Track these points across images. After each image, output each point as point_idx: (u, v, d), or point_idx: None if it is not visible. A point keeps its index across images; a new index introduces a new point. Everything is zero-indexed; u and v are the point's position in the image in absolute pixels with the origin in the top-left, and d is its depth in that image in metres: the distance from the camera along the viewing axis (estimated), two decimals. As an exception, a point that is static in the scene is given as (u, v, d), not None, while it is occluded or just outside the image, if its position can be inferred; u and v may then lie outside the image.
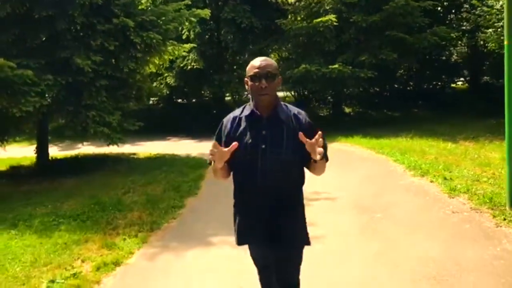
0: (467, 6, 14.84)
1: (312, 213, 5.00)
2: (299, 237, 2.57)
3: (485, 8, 12.11)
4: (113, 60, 9.67)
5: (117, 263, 4.31)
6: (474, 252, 4.01)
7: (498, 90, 8.46)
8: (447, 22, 16.48)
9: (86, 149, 13.32)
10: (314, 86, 14.83)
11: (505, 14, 4.94)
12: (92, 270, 4.17)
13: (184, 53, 12.56)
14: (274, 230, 2.48)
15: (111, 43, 9.16)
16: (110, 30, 9.23)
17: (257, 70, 2.41)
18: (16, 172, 10.58)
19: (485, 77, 18.59)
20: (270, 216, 2.48)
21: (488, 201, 5.30)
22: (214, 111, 17.11)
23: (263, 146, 2.41)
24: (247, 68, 2.48)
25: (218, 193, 6.06)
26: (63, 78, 8.78)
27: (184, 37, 14.19)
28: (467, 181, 6.30)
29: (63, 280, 3.95)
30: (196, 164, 9.53)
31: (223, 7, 15.12)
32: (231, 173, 2.58)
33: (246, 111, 2.52)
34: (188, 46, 11.63)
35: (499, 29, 10.97)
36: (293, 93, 19.99)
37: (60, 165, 10.80)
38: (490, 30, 11.72)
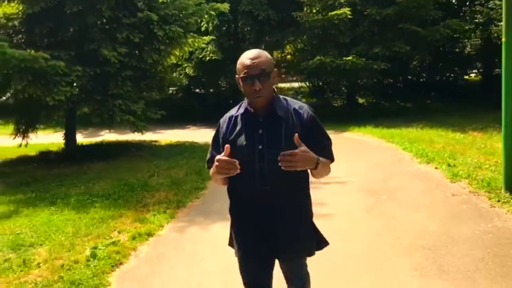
0: (481, -1, 15.10)
1: (323, 195, 5.59)
2: (302, 247, 2.39)
3: (497, 2, 12.38)
4: (138, 52, 10.24)
5: (150, 234, 4.88)
6: (467, 228, 4.50)
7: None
8: (461, 14, 16.70)
9: (109, 136, 13.98)
10: (329, 77, 15.28)
11: (503, 13, 5.35)
12: (128, 240, 4.75)
13: (203, 45, 13.10)
14: (275, 239, 2.30)
15: (136, 35, 9.73)
16: (135, 24, 9.79)
17: (247, 70, 2.14)
18: (45, 157, 11.24)
19: (498, 69, 18.75)
20: (271, 223, 2.29)
21: (486, 185, 5.75)
22: (231, 101, 17.62)
23: (260, 147, 2.20)
24: (237, 65, 2.20)
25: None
26: (91, 69, 9.37)
27: (203, 29, 14.70)
28: (469, 168, 6.74)
29: (104, 247, 4.53)
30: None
31: (240, 0, 15.56)
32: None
33: (242, 109, 2.30)
34: (207, 38, 12.15)
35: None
36: (307, 83, 20.42)
37: (87, 151, 11.45)
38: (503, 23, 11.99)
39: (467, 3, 17.27)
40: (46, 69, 8.46)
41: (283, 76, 19.86)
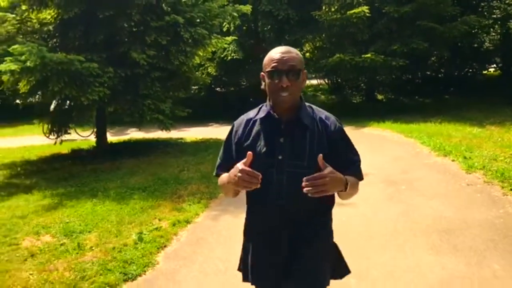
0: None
1: None
2: (320, 276, 2.11)
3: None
4: (165, 54, 10.75)
5: (188, 221, 5.37)
6: (480, 214, 4.88)
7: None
8: (479, 10, 16.85)
9: (135, 134, 14.57)
10: (348, 75, 15.65)
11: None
12: (169, 226, 5.24)
13: (225, 45, 13.58)
14: (290, 265, 2.06)
15: (163, 38, 10.21)
16: (162, 27, 10.27)
17: (276, 64, 1.97)
18: (77, 154, 11.84)
19: (517, 64, 18.84)
20: (288, 246, 2.06)
21: (499, 175, 6.10)
22: (251, 99, 18.08)
23: (280, 157, 1.98)
24: (265, 61, 2.04)
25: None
26: (122, 70, 9.90)
27: (224, 29, 15.15)
28: (485, 160, 7.07)
29: (148, 232, 5.03)
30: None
31: (260, 0, 15.98)
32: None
33: (262, 113, 2.09)
34: (229, 38, 12.63)
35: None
36: (327, 80, 20.76)
37: (117, 148, 12.02)
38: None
39: (485, -1, 17.41)
40: (81, 71, 9.00)
41: (304, 82, 20.23)
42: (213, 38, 11.48)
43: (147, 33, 10.22)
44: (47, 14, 10.63)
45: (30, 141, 14.24)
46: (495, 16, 15.93)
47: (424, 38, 14.15)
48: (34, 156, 11.92)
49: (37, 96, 11.48)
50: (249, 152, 1.92)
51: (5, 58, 8.84)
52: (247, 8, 11.37)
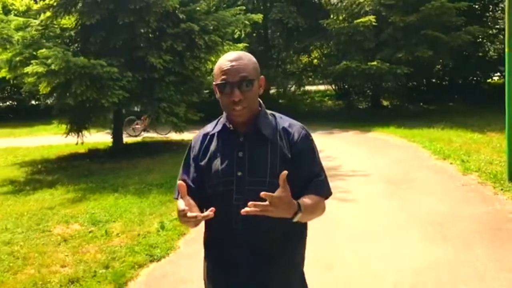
0: (503, 5, 15.69)
1: (348, 185, 6.56)
2: None
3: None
4: (180, 59, 11.31)
5: (204, 213, 5.87)
6: (471, 210, 5.36)
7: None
8: (483, 19, 17.32)
9: (148, 135, 15.15)
10: (354, 81, 16.16)
11: (506, 25, 6.16)
12: (187, 217, 5.75)
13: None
14: None
15: (179, 44, 10.77)
16: (178, 33, 10.84)
17: (225, 76, 1.75)
18: (94, 154, 12.39)
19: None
20: (251, 275, 1.81)
21: (492, 177, 6.58)
22: (260, 103, 18.67)
23: (239, 174, 1.78)
24: (214, 70, 1.83)
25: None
26: (139, 74, 10.47)
27: (236, 36, 15.71)
28: (481, 163, 7.54)
29: (169, 221, 5.55)
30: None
31: (271, 9, 16.55)
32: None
33: (219, 126, 1.90)
34: (241, 45, 13.13)
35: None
36: (333, 86, 21.29)
37: (132, 148, 12.58)
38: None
39: (490, 9, 17.86)
40: (102, 74, 9.59)
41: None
42: (225, 45, 12.02)
43: (164, 39, 10.78)
44: (68, 20, 11.26)
45: (47, 140, 14.83)
46: (498, 26, 16.36)
47: (429, 46, 14.63)
48: (53, 155, 12.50)
49: (53, 98, 12.07)
50: (180, 183, 1.70)
51: (31, 61, 9.48)
52: (258, 17, 11.92)
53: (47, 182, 8.89)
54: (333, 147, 10.18)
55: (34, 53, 9.78)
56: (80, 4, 10.56)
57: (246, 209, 1.56)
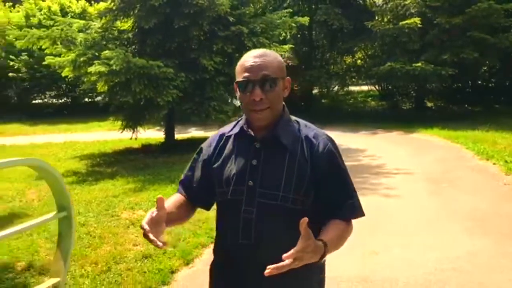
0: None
1: (393, 182, 6.91)
2: None
3: None
4: (229, 60, 11.86)
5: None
6: (511, 207, 5.62)
7: None
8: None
9: (195, 132, 15.83)
10: (398, 82, 16.29)
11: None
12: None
13: (282, 52, 14.60)
14: None
15: (229, 46, 11.32)
16: (228, 36, 11.40)
17: (246, 74, 1.61)
18: (148, 149, 13.14)
19: None
20: None
21: (535, 177, 6.77)
22: (302, 103, 19.05)
23: (250, 183, 1.62)
24: (236, 67, 1.68)
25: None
26: (192, 75, 11.09)
27: (281, 38, 16.18)
28: (524, 164, 7.71)
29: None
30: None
31: (316, 11, 16.91)
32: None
33: (237, 128, 1.75)
34: (287, 47, 13.60)
35: None
36: (377, 87, 21.40)
37: (183, 144, 13.26)
38: None
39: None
40: (158, 75, 10.27)
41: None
42: (272, 47, 12.50)
43: (215, 41, 11.36)
44: (126, 23, 12.04)
45: (101, 136, 15.75)
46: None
47: (475, 48, 14.60)
48: (109, 149, 13.33)
49: (105, 96, 12.86)
50: (159, 197, 1.54)
51: (94, 62, 10.25)
52: (305, 20, 12.34)
53: (107, 173, 9.62)
54: (377, 146, 10.48)
55: (96, 53, 10.57)
56: (138, 9, 11.28)
57: (269, 271, 1.35)
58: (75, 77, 11.97)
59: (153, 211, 1.56)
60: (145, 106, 11.67)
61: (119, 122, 13.26)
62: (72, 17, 19.13)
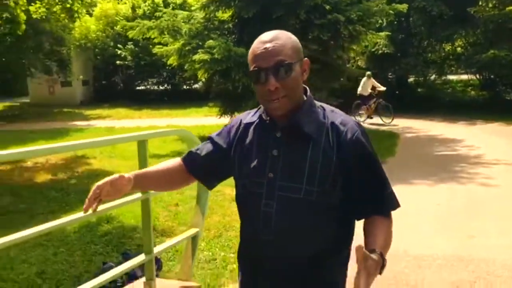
0: None
1: (491, 172, 6.84)
2: None
3: None
4: (324, 48, 12.07)
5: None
6: None
7: None
8: None
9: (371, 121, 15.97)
10: (502, 71, 15.44)
11: None
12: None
13: (378, 40, 14.50)
14: None
15: (324, 34, 11.52)
16: (324, 24, 11.59)
17: (258, 62, 1.47)
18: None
19: None
20: None
21: None
22: (397, 92, 18.67)
23: (270, 175, 1.49)
24: (248, 55, 1.55)
25: (411, 155, 8.08)
26: (288, 62, 11.45)
27: (377, 25, 16.01)
28: None
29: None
30: (389, 135, 11.64)
31: (415, -3, 16.46)
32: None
33: (256, 116, 1.62)
34: (383, 34, 13.52)
35: None
36: (478, 76, 20.35)
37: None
38: None
39: None
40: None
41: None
42: (368, 34, 12.49)
43: (310, 29, 11.61)
44: (226, 13, 12.67)
45: (199, 121, 16.70)
46: None
47: None
48: (207, 133, 14.10)
49: (202, 83, 13.56)
50: (120, 175, 1.52)
51: (198, 50, 10.97)
52: (403, 7, 12.17)
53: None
54: (476, 137, 10.19)
55: (200, 43, 11.30)
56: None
57: None
58: (179, 65, 12.84)
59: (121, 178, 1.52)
60: (242, 93, 12.26)
61: (216, 109, 14.06)
62: (173, 8, 20.32)
